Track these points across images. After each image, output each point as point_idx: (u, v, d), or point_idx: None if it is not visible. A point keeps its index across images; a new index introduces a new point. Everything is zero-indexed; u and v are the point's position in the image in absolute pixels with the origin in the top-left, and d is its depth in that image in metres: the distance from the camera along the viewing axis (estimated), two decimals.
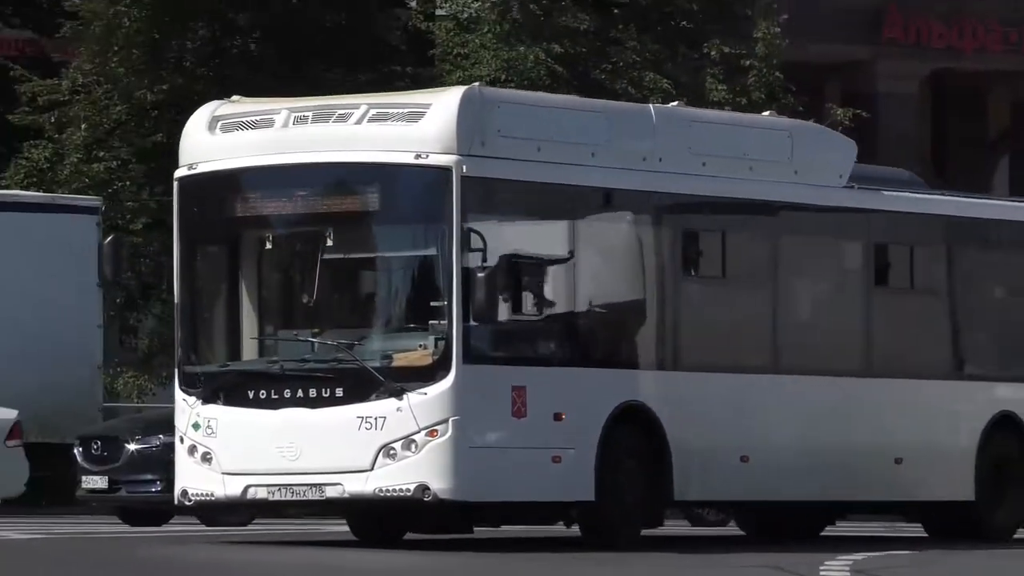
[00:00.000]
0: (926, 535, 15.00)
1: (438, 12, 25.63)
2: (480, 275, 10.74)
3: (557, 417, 11.57)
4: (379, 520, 12.35)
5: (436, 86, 19.21)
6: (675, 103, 15.18)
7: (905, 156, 24.37)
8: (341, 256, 11.73)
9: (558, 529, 12.98)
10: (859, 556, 11.50)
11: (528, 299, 11.36)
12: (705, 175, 12.81)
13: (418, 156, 10.96)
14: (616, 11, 24.93)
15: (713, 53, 23.54)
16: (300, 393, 11.05)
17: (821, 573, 9.73)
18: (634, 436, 12.10)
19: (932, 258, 14.87)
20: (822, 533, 15.08)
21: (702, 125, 13.64)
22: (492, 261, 10.92)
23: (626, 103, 16.78)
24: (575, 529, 12.60)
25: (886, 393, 14.01)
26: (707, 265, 13.12)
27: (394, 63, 24.64)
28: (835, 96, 25.62)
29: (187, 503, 11.57)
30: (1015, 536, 14.96)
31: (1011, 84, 33.38)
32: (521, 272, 11.33)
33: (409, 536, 12.54)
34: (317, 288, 11.60)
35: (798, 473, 13.28)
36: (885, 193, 14.58)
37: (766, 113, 17.23)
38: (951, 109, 33.71)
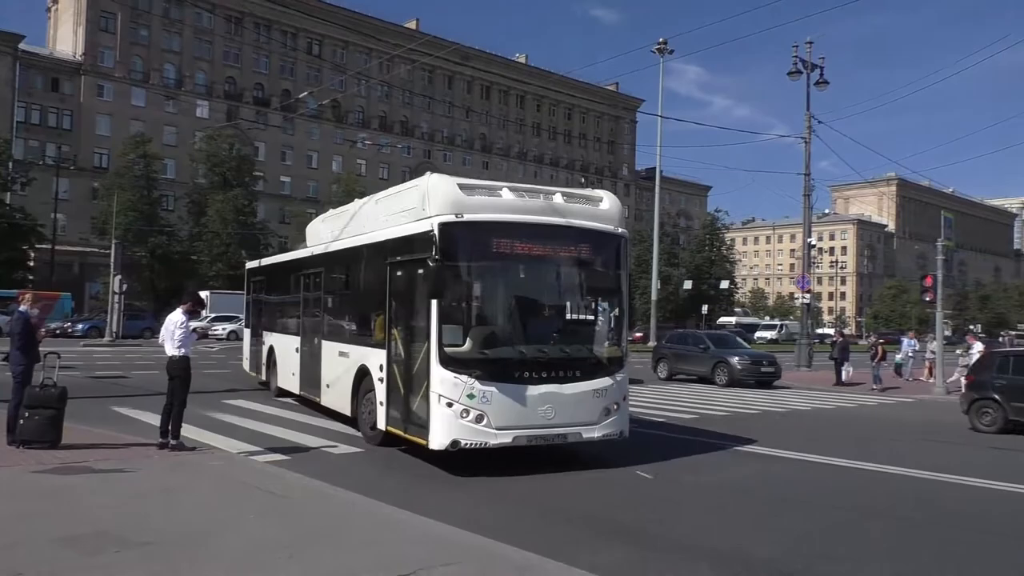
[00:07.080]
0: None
1: None
2: (628, 305, 15.86)
3: None
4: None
5: None
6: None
7: None
8: (569, 286, 15.59)
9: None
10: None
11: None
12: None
13: (615, 228, 15.57)
14: None
15: None
16: (553, 374, 14.65)
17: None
18: None
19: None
20: None
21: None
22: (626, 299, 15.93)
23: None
24: None
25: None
26: None
27: None
28: None
29: (452, 450, 14.07)
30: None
31: None
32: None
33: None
34: (551, 304, 15.47)
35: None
36: None
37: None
38: None
